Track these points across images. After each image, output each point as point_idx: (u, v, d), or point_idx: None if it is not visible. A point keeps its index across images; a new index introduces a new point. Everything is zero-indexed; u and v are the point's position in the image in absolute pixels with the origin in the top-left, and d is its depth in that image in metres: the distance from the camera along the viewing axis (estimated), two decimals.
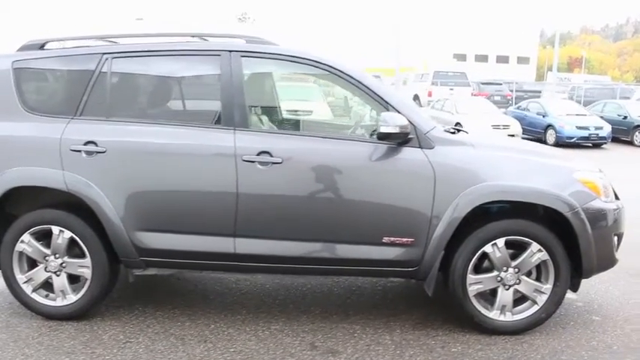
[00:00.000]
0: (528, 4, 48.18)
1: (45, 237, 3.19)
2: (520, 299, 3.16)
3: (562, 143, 13.98)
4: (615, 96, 19.76)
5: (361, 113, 4.26)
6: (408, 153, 3.05)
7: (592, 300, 3.76)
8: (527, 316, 3.14)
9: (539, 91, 22.22)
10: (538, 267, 3.13)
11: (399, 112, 3.06)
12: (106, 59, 3.22)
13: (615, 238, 3.21)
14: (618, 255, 3.27)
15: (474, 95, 20.03)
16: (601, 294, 3.87)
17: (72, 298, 3.22)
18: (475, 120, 14.40)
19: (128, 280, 3.32)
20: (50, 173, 3.11)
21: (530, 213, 3.13)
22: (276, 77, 3.52)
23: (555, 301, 3.13)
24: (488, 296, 3.17)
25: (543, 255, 3.07)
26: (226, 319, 3.35)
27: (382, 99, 3.12)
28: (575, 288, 3.27)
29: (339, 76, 3.19)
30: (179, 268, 3.30)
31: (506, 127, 14.28)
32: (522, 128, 15.68)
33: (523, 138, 15.94)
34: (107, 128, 3.15)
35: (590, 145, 14.41)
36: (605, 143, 14.55)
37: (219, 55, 3.19)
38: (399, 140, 3.02)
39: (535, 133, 15.33)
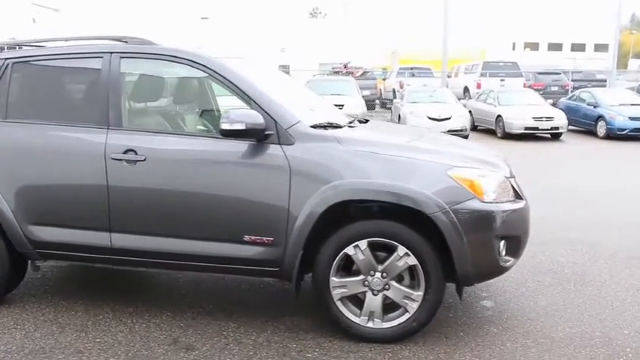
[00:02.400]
0: None
1: None
2: (393, 306, 2.98)
3: (613, 136, 12.89)
4: None
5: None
6: (266, 150, 2.96)
7: (505, 306, 3.47)
8: (397, 325, 2.95)
9: (606, 81, 20.51)
10: (412, 272, 2.94)
11: (261, 108, 2.98)
12: (7, 64, 3.41)
13: (502, 242, 2.93)
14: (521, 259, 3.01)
15: (531, 86, 18.92)
16: (521, 300, 3.57)
17: None
18: (516, 112, 13.68)
19: (32, 269, 3.51)
20: None
21: (401, 214, 2.92)
22: (167, 76, 3.52)
23: (427, 309, 2.92)
24: (360, 301, 3.01)
25: (411, 259, 2.87)
26: (117, 311, 3.43)
27: (246, 95, 3.05)
28: (460, 295, 3.04)
29: (211, 75, 3.15)
30: (70, 260, 3.43)
31: (549, 119, 13.42)
32: (575, 120, 14.67)
33: (574, 131, 14.91)
34: (1, 129, 3.33)
35: None
36: None
37: (101, 56, 3.27)
38: (256, 137, 2.94)
39: (586, 125, 14.25)
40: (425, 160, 2.91)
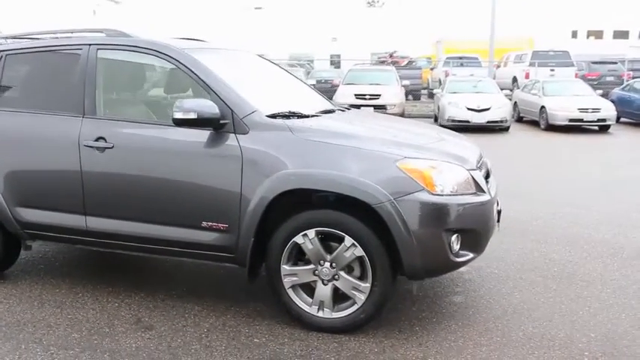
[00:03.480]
0: None
1: None
2: (345, 297, 2.98)
3: None
4: None
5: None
6: (222, 138, 3.02)
7: (475, 302, 3.39)
8: (346, 316, 2.95)
9: None
10: (362, 264, 2.92)
11: (219, 98, 3.04)
12: (2, 56, 3.65)
13: (454, 236, 2.86)
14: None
15: (584, 77, 17.95)
16: (494, 297, 3.47)
17: None
18: (561, 103, 13.08)
19: (23, 249, 3.77)
20: None
21: (351, 204, 2.88)
22: (140, 66, 3.62)
23: (375, 301, 2.90)
24: (312, 290, 3.03)
25: (358, 250, 2.85)
26: (96, 290, 3.62)
27: (207, 85, 3.11)
28: (413, 289, 3.01)
29: (176, 65, 3.23)
30: (52, 240, 3.65)
31: (595, 110, 12.72)
32: (627, 112, 13.86)
33: (626, 123, 14.07)
34: None
35: None
36: None
37: (81, 48, 3.45)
38: (211, 126, 3.01)
39: (638, 117, 13.39)
40: (374, 150, 2.88)
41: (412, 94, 20.21)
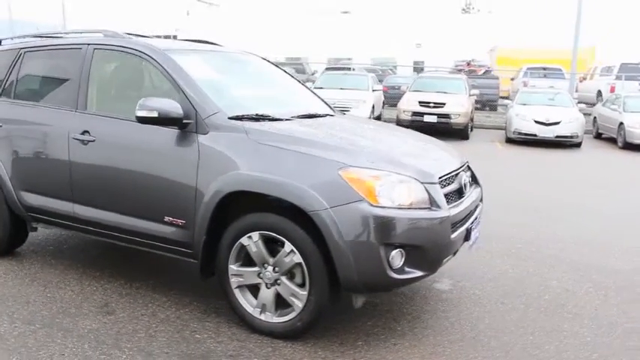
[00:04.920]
0: None
1: None
2: (288, 302, 2.97)
3: None
4: None
5: None
6: (185, 137, 3.13)
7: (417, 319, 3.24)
8: (285, 322, 2.95)
9: None
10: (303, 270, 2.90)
11: (186, 98, 3.15)
12: (22, 53, 4.03)
13: (395, 251, 2.74)
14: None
15: None
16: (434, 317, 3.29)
17: None
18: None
19: (29, 230, 4.12)
20: None
21: (292, 210, 2.83)
22: (129, 65, 3.79)
23: (311, 310, 2.86)
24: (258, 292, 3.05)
25: (297, 257, 2.83)
26: (85, 274, 3.88)
27: (178, 86, 3.22)
28: (354, 302, 2.92)
29: (154, 65, 3.38)
30: (51, 224, 3.94)
31: None
32: None
33: None
34: (7, 107, 3.96)
35: None
36: None
37: (81, 48, 3.72)
38: (174, 125, 3.11)
39: None
40: (320, 157, 2.84)
41: (488, 104, 19.42)
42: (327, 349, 2.92)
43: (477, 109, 19.56)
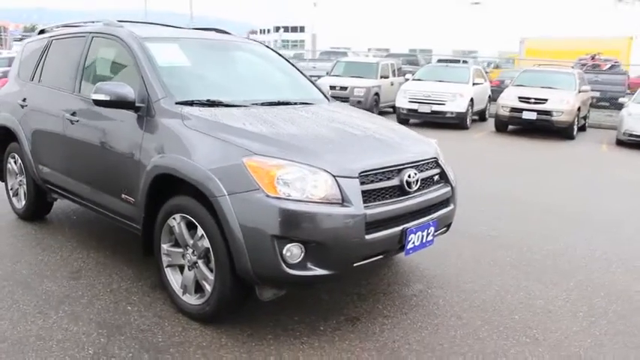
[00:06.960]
0: None
1: None
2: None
3: None
4: None
5: None
6: (139, 121, 3.29)
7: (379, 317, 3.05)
8: (198, 305, 3.00)
9: None
10: None
11: (144, 83, 3.32)
12: (51, 41, 4.54)
13: (290, 245, 2.61)
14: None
15: None
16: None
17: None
18: None
19: (48, 199, 4.64)
20: (7, 117, 4.67)
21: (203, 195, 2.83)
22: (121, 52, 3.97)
23: (217, 297, 2.87)
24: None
25: (206, 242, 2.86)
26: (83, 243, 4.27)
27: (139, 72, 3.40)
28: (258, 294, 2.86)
29: (128, 52, 3.60)
30: (59, 195, 4.38)
31: None
32: None
33: None
34: (32, 90, 4.49)
35: None
36: None
37: (84, 36, 4.09)
38: (128, 108, 3.28)
39: None
40: (231, 144, 2.81)
41: (612, 102, 17.31)
42: (233, 337, 2.91)
43: (598, 107, 17.54)
